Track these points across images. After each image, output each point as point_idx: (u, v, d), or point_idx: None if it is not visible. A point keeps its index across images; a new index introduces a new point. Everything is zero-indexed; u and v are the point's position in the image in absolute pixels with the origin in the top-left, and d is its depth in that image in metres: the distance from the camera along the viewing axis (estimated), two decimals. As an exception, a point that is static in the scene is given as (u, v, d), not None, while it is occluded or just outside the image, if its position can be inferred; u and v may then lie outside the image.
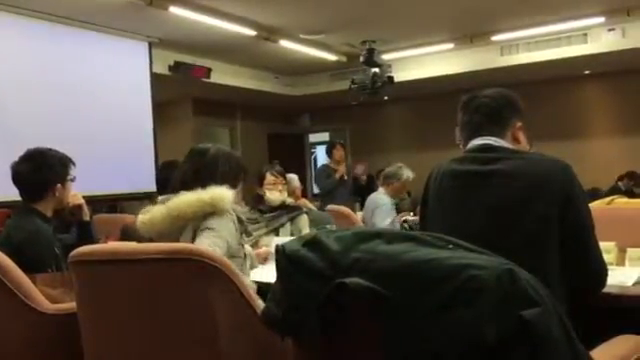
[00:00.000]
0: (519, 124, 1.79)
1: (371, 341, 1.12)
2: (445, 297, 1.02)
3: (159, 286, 1.55)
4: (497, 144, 1.72)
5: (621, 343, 1.52)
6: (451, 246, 1.13)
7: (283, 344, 1.36)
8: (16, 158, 2.51)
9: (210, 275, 1.52)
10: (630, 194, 6.31)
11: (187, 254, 1.51)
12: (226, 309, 1.54)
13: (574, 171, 1.63)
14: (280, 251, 1.26)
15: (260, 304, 1.58)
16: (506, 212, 1.59)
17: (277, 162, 4.09)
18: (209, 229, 1.96)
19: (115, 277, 1.61)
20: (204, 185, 2.03)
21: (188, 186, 2.05)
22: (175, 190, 2.08)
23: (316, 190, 10.04)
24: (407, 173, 5.16)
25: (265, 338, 1.54)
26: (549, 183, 1.58)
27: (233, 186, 2.12)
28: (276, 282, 1.28)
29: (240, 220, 2.09)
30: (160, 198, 2.11)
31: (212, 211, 1.98)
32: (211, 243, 1.91)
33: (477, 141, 1.75)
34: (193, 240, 1.96)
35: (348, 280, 1.08)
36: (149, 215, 2.03)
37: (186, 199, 1.99)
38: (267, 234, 3.22)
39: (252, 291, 1.73)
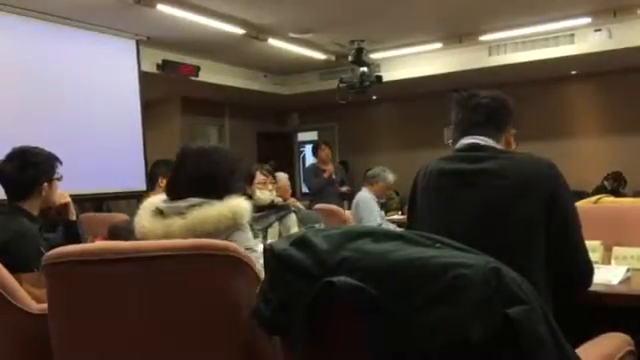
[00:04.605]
0: (513, 130, 1.82)
1: (357, 340, 1.12)
2: (431, 296, 1.02)
3: (180, 284, 1.48)
4: (485, 143, 1.73)
5: (606, 341, 1.53)
6: (438, 245, 1.14)
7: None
8: (2, 157, 2.49)
9: (236, 269, 1.47)
10: (616, 193, 6.37)
11: (214, 249, 1.45)
12: (249, 300, 1.44)
13: (560, 170, 1.64)
14: (268, 250, 1.25)
15: None
16: (493, 210, 1.60)
17: (272, 162, 4.08)
18: (248, 249, 1.85)
19: (121, 276, 1.51)
20: (212, 193, 1.93)
21: (192, 193, 1.94)
22: (175, 194, 1.98)
23: (304, 189, 10.06)
24: (389, 176, 5.33)
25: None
26: (535, 182, 1.59)
27: (233, 189, 2.04)
28: (265, 281, 1.28)
29: (250, 226, 2.04)
30: (164, 206, 1.95)
31: (234, 225, 1.90)
32: (259, 267, 1.84)
33: (466, 140, 1.76)
34: None
35: (336, 279, 1.08)
36: (162, 228, 1.89)
37: (206, 214, 1.88)
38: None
39: None
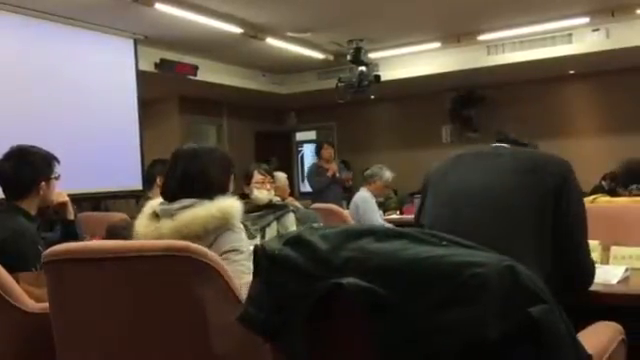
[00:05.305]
0: None
1: (361, 343, 1.10)
2: (446, 296, 1.00)
3: (147, 284, 1.53)
4: (507, 146, 1.77)
5: (600, 330, 1.52)
6: (445, 243, 1.11)
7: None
8: (-1, 156, 2.48)
9: (205, 274, 1.50)
10: (613, 193, 6.36)
11: (177, 251, 1.49)
12: (218, 309, 1.51)
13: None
14: (260, 250, 1.21)
15: None
16: (501, 183, 1.58)
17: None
18: (234, 250, 1.87)
19: (100, 275, 1.58)
20: (201, 193, 1.94)
21: (184, 194, 1.96)
22: (168, 196, 1.99)
23: (303, 189, 10.05)
24: (387, 174, 5.36)
25: (255, 340, 1.53)
26: (548, 168, 1.58)
27: (227, 188, 2.07)
28: (255, 283, 1.24)
29: (245, 226, 2.04)
30: (159, 208, 1.96)
31: (224, 226, 1.89)
32: (245, 269, 1.83)
33: (492, 145, 1.81)
34: None
35: (345, 281, 1.05)
36: (154, 230, 1.91)
37: (194, 215, 1.88)
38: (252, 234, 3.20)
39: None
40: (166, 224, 1.90)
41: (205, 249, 1.55)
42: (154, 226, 1.92)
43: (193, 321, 1.51)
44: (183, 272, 1.50)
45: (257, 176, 3.38)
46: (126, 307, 1.57)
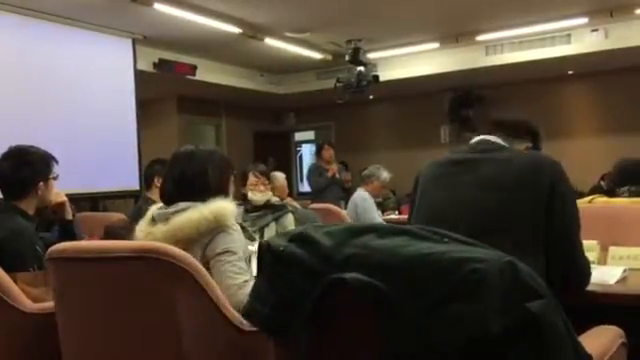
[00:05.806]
0: (529, 145, 1.86)
1: (364, 338, 1.10)
2: (447, 291, 1.01)
3: (126, 284, 1.57)
4: (493, 140, 1.74)
5: (601, 333, 1.52)
6: (446, 240, 1.12)
7: (247, 348, 1.34)
8: (-2, 156, 2.48)
9: (176, 276, 1.52)
10: (611, 193, 6.36)
11: (155, 253, 1.51)
12: (190, 311, 1.54)
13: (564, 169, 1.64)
14: (265, 247, 1.22)
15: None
16: (493, 198, 1.57)
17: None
18: (227, 252, 1.86)
19: (86, 274, 1.62)
20: (198, 196, 1.93)
21: (182, 196, 1.96)
22: (165, 199, 2.00)
23: (301, 189, 10.05)
24: (384, 174, 5.38)
25: (230, 342, 1.56)
26: (539, 174, 1.57)
27: (226, 191, 2.07)
28: (260, 280, 1.25)
29: (243, 228, 2.03)
30: (156, 213, 1.96)
31: (217, 228, 1.88)
32: (238, 269, 1.84)
33: (476, 138, 1.79)
34: (203, 256, 1.84)
35: (348, 275, 1.06)
36: (149, 234, 1.91)
37: (188, 218, 1.87)
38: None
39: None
40: (160, 228, 1.90)
41: (180, 251, 1.56)
42: (149, 230, 1.93)
43: (166, 322, 1.53)
44: (155, 274, 1.52)
45: (251, 178, 3.39)
46: (106, 306, 1.60)
